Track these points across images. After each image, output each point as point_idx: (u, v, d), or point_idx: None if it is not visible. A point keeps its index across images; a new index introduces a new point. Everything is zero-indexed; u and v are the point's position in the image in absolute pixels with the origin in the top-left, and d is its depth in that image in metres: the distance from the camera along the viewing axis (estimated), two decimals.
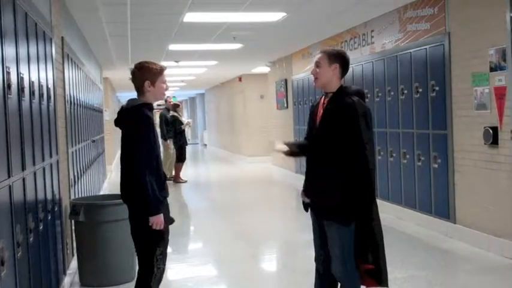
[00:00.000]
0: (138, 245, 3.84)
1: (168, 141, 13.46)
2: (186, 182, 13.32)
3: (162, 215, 3.72)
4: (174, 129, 13.25)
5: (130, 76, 3.94)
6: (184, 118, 14.03)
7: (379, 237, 3.60)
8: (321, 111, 3.69)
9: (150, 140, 3.71)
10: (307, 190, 3.80)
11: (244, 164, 17.59)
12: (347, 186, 3.51)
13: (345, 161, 3.50)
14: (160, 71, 3.93)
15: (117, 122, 3.91)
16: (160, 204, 3.73)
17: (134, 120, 3.75)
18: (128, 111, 3.84)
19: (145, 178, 3.63)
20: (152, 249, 3.77)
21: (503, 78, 5.61)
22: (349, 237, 3.56)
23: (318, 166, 3.67)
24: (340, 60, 3.69)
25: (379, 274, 3.58)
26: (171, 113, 13.41)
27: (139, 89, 3.87)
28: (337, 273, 3.62)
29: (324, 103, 3.71)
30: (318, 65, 3.70)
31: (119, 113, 3.92)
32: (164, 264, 3.87)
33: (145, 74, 3.86)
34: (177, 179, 13.21)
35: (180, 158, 13.27)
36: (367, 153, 3.50)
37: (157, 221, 3.69)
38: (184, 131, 13.56)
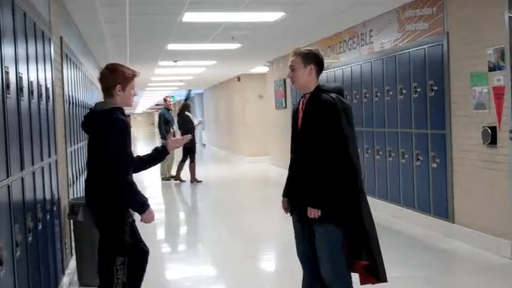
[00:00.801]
0: (99, 252, 3.74)
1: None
2: (201, 181, 13.28)
3: (151, 209, 3.70)
4: (185, 129, 13.16)
5: (99, 76, 3.80)
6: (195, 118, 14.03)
7: (370, 231, 3.57)
8: (301, 113, 3.65)
9: (126, 143, 3.63)
10: (290, 194, 3.75)
11: (243, 163, 17.59)
12: (332, 183, 3.47)
13: (328, 158, 3.46)
14: (133, 76, 3.77)
15: (86, 126, 3.79)
16: (147, 200, 3.71)
17: (109, 124, 3.60)
18: (100, 115, 3.69)
19: (127, 178, 3.60)
20: (113, 258, 3.66)
21: (501, 78, 5.62)
22: (337, 237, 3.53)
23: (302, 168, 3.60)
24: (315, 60, 3.65)
25: (376, 269, 3.56)
26: (185, 113, 13.37)
27: (108, 91, 3.72)
28: (327, 276, 3.58)
29: (303, 104, 3.67)
30: (292, 68, 3.66)
31: (87, 116, 3.79)
32: (124, 275, 3.69)
33: (117, 78, 3.71)
34: (194, 179, 13.11)
35: (193, 157, 13.16)
36: (349, 149, 3.47)
37: (150, 216, 3.70)
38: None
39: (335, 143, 3.45)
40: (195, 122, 13.68)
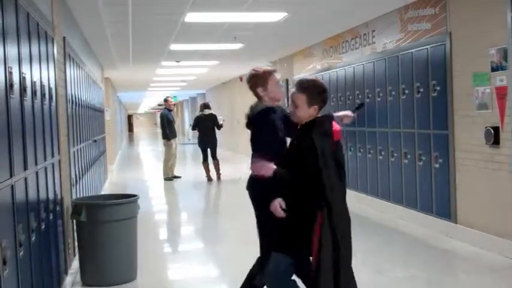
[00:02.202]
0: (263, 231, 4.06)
1: (172, 140, 13.47)
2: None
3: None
4: (213, 127, 13.32)
5: (248, 85, 4.12)
6: (220, 117, 14.21)
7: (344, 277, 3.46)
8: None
9: (267, 140, 3.91)
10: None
11: (245, 163, 17.60)
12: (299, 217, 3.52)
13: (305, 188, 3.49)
14: (268, 73, 4.01)
15: (248, 125, 4.20)
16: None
17: (259, 123, 3.99)
18: (254, 117, 4.05)
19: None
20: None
21: (504, 78, 5.62)
22: (277, 265, 3.61)
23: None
24: (320, 101, 3.57)
25: None
26: (207, 111, 13.47)
27: (256, 95, 4.06)
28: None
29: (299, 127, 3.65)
30: (296, 105, 3.56)
31: (248, 117, 4.16)
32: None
33: (255, 81, 4.01)
34: (219, 175, 13.23)
35: (205, 156, 13.30)
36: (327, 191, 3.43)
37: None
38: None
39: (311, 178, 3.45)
40: (220, 121, 13.80)
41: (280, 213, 3.54)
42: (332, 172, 3.48)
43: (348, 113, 3.93)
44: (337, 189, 3.51)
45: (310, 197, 3.48)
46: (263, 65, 4.21)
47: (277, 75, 4.08)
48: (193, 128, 13.82)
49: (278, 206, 3.55)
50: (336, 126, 3.63)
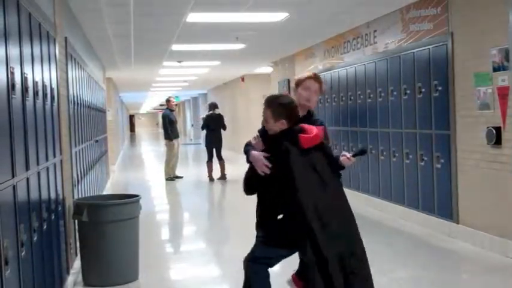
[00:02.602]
0: None
1: (174, 141, 13.49)
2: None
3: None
4: (219, 127, 13.38)
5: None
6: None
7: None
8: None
9: None
10: None
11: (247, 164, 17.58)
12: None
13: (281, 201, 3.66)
14: (300, 81, 4.15)
15: None
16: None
17: None
18: None
19: None
20: None
21: (506, 78, 5.61)
22: (259, 249, 3.98)
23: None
24: (287, 114, 3.64)
25: None
26: (217, 111, 13.51)
27: None
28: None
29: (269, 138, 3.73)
30: (266, 120, 3.70)
31: None
32: None
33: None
34: (224, 176, 13.24)
35: (210, 156, 13.34)
36: (299, 196, 3.48)
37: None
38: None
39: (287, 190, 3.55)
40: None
41: (266, 170, 3.63)
42: (304, 177, 3.53)
43: (347, 154, 3.79)
44: (312, 192, 3.54)
45: (282, 208, 3.65)
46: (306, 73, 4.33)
47: (309, 82, 4.06)
48: (203, 128, 13.79)
49: (262, 161, 3.67)
50: (307, 134, 3.60)
